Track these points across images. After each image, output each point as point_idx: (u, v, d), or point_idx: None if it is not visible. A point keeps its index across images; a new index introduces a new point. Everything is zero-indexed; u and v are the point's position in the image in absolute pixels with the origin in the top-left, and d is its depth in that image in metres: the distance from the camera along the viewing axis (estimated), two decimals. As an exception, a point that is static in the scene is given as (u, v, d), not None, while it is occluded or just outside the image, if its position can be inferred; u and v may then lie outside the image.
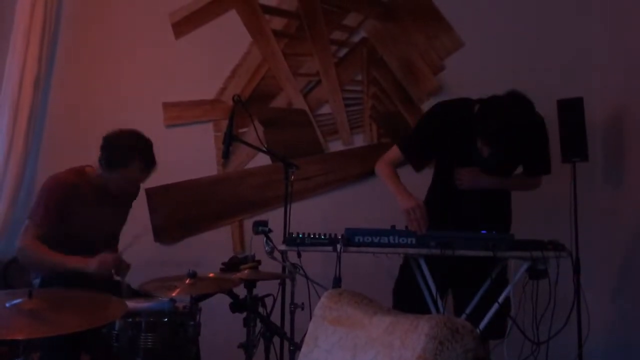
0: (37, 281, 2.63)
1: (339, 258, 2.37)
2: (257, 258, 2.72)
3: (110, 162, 2.58)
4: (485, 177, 2.70)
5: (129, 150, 2.58)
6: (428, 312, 2.59)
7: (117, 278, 2.64)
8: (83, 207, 2.62)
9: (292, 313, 2.71)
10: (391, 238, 2.48)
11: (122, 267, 2.61)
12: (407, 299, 2.74)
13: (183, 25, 3.73)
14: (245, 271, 2.56)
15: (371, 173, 3.52)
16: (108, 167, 2.60)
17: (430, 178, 2.94)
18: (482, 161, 2.61)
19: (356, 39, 3.76)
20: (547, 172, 2.81)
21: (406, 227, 2.55)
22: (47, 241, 2.55)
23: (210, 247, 3.56)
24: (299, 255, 2.51)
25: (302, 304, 2.61)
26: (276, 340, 2.61)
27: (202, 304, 2.43)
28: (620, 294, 3.37)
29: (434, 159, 2.90)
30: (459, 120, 2.66)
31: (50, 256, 2.50)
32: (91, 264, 2.49)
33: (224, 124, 3.24)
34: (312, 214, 3.52)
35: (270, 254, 2.49)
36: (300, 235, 2.48)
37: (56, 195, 2.57)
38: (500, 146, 2.49)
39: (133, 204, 2.97)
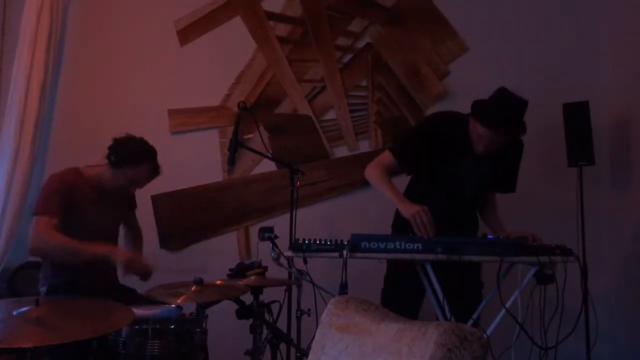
0: (43, 289, 2.64)
1: (345, 264, 2.36)
2: (263, 264, 2.72)
3: (121, 159, 2.65)
4: None
5: (141, 152, 2.68)
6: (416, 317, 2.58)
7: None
8: (83, 204, 2.65)
9: (299, 319, 2.71)
10: (397, 244, 2.47)
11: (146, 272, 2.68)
12: (396, 308, 2.68)
13: (188, 32, 3.75)
14: (252, 278, 2.56)
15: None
16: (117, 164, 2.65)
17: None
18: (470, 167, 2.67)
19: (361, 44, 3.77)
20: (514, 190, 2.85)
21: (413, 232, 2.54)
22: None
23: (216, 254, 3.56)
24: (305, 262, 2.49)
25: (309, 310, 2.61)
26: (283, 346, 2.61)
27: (209, 311, 2.44)
28: (628, 299, 3.35)
29: (419, 169, 2.85)
30: (451, 131, 2.69)
31: (71, 243, 2.48)
32: (119, 256, 2.51)
33: (229, 130, 3.24)
34: (317, 219, 3.51)
35: (277, 260, 2.49)
36: (306, 241, 2.47)
37: (60, 188, 2.62)
38: (502, 127, 2.55)
39: (137, 212, 3.00)
